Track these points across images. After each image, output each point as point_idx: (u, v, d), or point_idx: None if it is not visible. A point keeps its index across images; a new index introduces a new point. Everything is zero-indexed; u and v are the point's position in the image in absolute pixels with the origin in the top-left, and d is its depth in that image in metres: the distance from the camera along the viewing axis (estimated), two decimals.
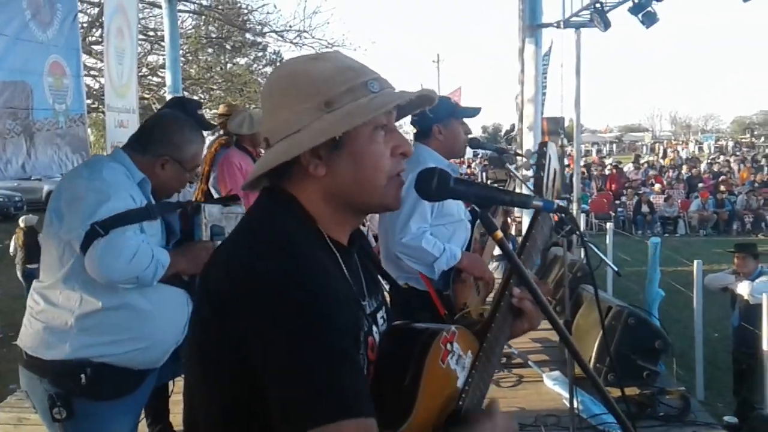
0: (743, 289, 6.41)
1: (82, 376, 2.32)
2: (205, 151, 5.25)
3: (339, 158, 1.18)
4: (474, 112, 3.59)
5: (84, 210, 2.30)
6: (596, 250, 3.56)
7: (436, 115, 3.41)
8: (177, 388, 2.97)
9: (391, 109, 1.22)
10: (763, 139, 53.76)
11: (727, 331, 6.94)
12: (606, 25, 9.16)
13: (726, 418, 4.66)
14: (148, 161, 2.51)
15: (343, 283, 1.18)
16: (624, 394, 3.27)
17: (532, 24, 8.54)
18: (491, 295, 3.60)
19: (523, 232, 1.46)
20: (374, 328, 1.24)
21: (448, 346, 1.24)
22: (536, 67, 8.59)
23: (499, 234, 1.24)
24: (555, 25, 9.37)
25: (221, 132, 5.19)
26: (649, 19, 8.83)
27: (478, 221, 3.54)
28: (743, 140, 49.69)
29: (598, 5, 9.07)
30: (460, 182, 1.28)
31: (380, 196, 1.23)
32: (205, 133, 2.97)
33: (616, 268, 3.37)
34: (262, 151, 1.27)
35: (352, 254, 1.28)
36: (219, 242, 2.74)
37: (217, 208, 2.84)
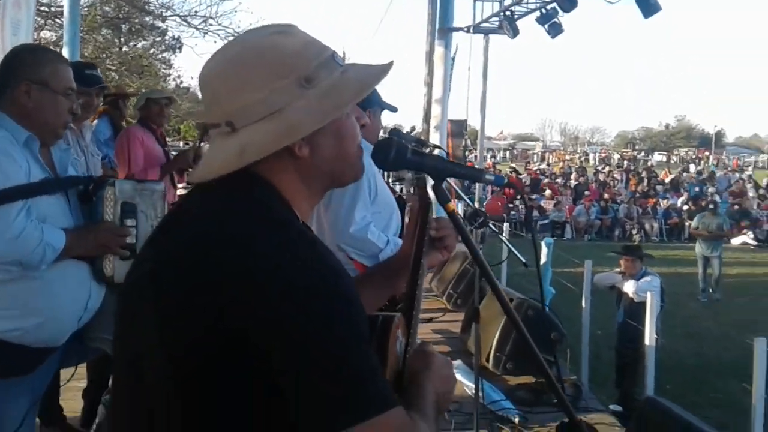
0: (629, 287, 6.86)
1: None
2: None
3: (322, 136, 1.14)
4: (394, 108, 3.61)
5: None
6: (506, 242, 3.73)
7: (368, 102, 3.34)
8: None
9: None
10: (643, 153, 57.22)
11: (610, 329, 7.38)
12: (515, 32, 9.50)
13: (611, 406, 5.01)
14: (10, 98, 2.23)
15: None
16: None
17: (443, 27, 8.73)
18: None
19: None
20: None
21: (397, 332, 1.28)
22: (445, 69, 8.79)
23: (452, 206, 1.29)
24: (465, 29, 9.64)
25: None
26: (555, 30, 9.25)
27: (406, 208, 3.57)
28: (625, 154, 52.65)
29: (508, 13, 9.40)
30: (416, 154, 1.30)
31: (355, 167, 1.23)
32: None
33: (523, 259, 3.53)
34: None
35: None
36: (130, 222, 2.52)
37: (130, 183, 2.58)
